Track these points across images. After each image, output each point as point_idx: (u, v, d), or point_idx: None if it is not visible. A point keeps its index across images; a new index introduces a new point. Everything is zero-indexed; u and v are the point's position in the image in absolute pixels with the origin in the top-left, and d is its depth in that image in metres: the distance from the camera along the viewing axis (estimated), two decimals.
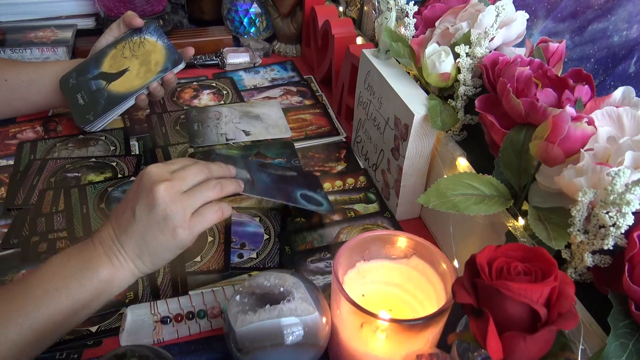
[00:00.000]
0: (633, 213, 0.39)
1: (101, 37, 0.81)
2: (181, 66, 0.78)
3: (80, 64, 0.80)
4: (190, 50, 0.80)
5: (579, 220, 0.42)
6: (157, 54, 0.78)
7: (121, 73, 0.78)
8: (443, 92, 0.67)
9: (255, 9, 1.10)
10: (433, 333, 0.47)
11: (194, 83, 0.99)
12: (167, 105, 0.93)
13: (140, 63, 0.78)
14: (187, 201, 0.52)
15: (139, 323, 0.54)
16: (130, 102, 0.78)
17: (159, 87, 0.78)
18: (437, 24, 0.68)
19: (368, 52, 0.75)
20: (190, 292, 0.59)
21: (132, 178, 0.75)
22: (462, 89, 0.62)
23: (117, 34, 0.81)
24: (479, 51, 0.60)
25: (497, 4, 0.59)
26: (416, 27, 0.70)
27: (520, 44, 0.65)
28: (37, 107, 0.83)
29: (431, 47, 0.63)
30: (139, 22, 0.80)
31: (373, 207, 0.74)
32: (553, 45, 0.59)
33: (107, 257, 0.51)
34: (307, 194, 0.70)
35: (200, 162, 0.57)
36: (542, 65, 0.56)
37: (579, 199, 0.41)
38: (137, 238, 0.51)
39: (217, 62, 1.04)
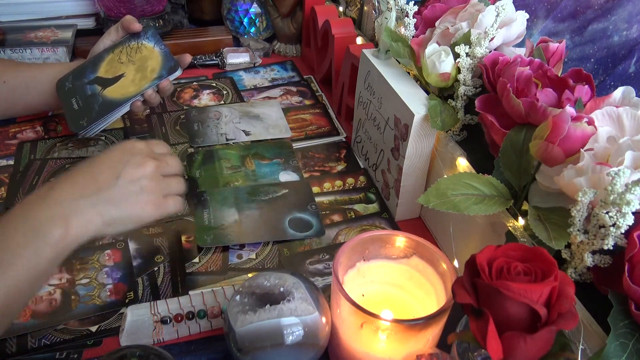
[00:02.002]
0: (633, 213, 0.39)
1: (99, 41, 0.80)
2: (177, 73, 0.76)
3: (77, 68, 0.79)
4: (187, 58, 0.78)
5: (579, 220, 0.42)
6: (154, 60, 0.77)
7: (117, 78, 0.76)
8: (443, 92, 0.67)
9: (255, 9, 1.10)
10: (433, 333, 0.47)
11: (194, 83, 0.99)
12: (167, 105, 0.93)
13: (137, 69, 0.76)
14: (165, 184, 0.57)
15: (139, 323, 0.54)
16: (125, 109, 0.76)
17: (154, 94, 0.76)
18: (437, 24, 0.68)
19: (368, 52, 0.75)
20: (190, 292, 0.59)
21: None
22: (462, 89, 0.62)
23: (115, 38, 0.80)
24: (479, 51, 0.60)
25: (497, 4, 0.59)
26: (416, 27, 0.70)
27: (520, 44, 0.65)
28: (34, 108, 0.82)
29: (431, 47, 0.63)
30: (137, 26, 0.78)
31: (373, 207, 0.74)
32: (553, 45, 0.59)
33: (62, 218, 0.49)
34: (297, 216, 0.70)
35: (173, 153, 0.62)
36: (542, 65, 0.56)
37: (579, 199, 0.41)
38: (110, 201, 0.52)
39: (217, 62, 1.04)
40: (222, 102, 0.94)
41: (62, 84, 0.77)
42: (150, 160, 0.56)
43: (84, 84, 0.76)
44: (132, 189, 0.54)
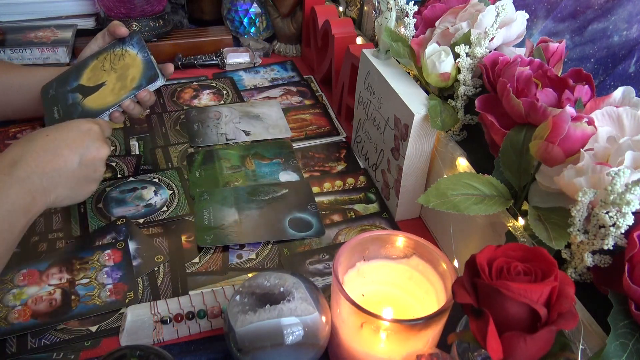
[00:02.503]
0: (633, 213, 0.39)
1: (87, 46, 0.78)
2: (158, 84, 0.71)
3: (62, 74, 0.76)
4: (170, 67, 0.75)
5: (579, 220, 0.42)
6: (135, 68, 0.72)
7: (97, 87, 0.72)
8: (443, 92, 0.67)
9: (255, 9, 1.10)
10: (433, 333, 0.47)
11: (194, 83, 0.99)
12: (167, 105, 0.93)
13: (117, 77, 0.72)
14: (104, 167, 0.63)
15: (139, 323, 0.54)
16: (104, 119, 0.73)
17: (134, 105, 0.72)
18: (437, 24, 0.68)
19: (368, 52, 0.75)
20: (190, 292, 0.59)
21: (131, 178, 0.75)
22: (462, 89, 0.62)
23: (102, 43, 0.78)
24: (479, 51, 0.60)
25: (497, 4, 0.59)
26: (416, 27, 0.70)
27: (520, 44, 0.65)
28: (24, 113, 0.81)
29: (431, 47, 0.63)
30: (123, 31, 0.75)
31: (373, 207, 0.74)
32: (553, 45, 0.59)
33: (29, 194, 0.53)
34: (297, 216, 0.70)
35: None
36: (542, 65, 0.56)
37: (579, 199, 0.41)
38: (67, 181, 0.57)
39: (217, 62, 1.04)
40: (222, 102, 0.94)
41: (47, 91, 0.75)
42: (106, 146, 0.61)
43: (66, 91, 0.73)
44: (87, 171, 0.59)
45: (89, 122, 0.62)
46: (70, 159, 0.57)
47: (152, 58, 0.73)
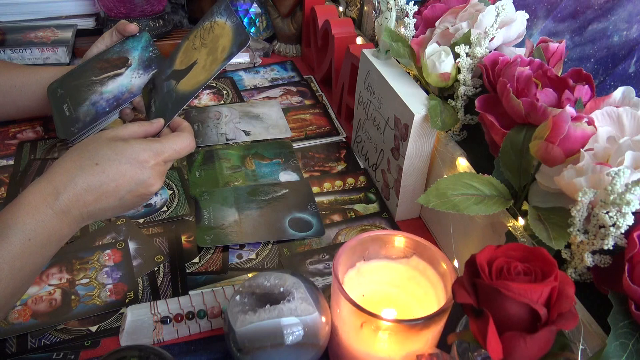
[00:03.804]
0: (633, 213, 0.39)
1: (93, 46, 0.79)
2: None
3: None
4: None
5: (579, 220, 0.42)
6: (225, 37, 0.67)
7: (189, 68, 0.68)
8: (443, 92, 0.67)
9: (255, 9, 1.10)
10: (433, 333, 0.47)
11: None
12: None
13: (208, 52, 0.68)
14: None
15: (139, 323, 0.54)
16: (114, 117, 0.74)
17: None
18: (437, 24, 0.68)
19: (368, 52, 0.75)
20: (190, 292, 0.59)
21: None
22: (462, 89, 0.62)
23: (109, 42, 0.78)
24: (479, 51, 0.60)
25: (497, 4, 0.59)
26: (416, 27, 0.70)
27: (520, 44, 0.65)
28: (27, 112, 0.81)
29: (431, 47, 0.63)
30: (133, 28, 0.77)
31: (373, 207, 0.74)
32: (553, 45, 0.59)
33: (68, 226, 0.52)
34: (297, 216, 0.70)
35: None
36: (542, 65, 0.56)
37: (579, 199, 0.41)
38: (110, 211, 0.56)
39: None
40: (222, 102, 0.94)
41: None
42: (159, 182, 0.58)
43: (162, 80, 0.70)
44: (132, 202, 0.57)
45: (149, 152, 0.56)
46: (114, 196, 0.55)
47: (240, 21, 0.68)
